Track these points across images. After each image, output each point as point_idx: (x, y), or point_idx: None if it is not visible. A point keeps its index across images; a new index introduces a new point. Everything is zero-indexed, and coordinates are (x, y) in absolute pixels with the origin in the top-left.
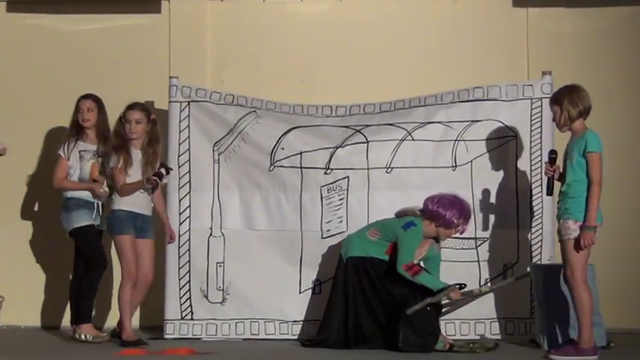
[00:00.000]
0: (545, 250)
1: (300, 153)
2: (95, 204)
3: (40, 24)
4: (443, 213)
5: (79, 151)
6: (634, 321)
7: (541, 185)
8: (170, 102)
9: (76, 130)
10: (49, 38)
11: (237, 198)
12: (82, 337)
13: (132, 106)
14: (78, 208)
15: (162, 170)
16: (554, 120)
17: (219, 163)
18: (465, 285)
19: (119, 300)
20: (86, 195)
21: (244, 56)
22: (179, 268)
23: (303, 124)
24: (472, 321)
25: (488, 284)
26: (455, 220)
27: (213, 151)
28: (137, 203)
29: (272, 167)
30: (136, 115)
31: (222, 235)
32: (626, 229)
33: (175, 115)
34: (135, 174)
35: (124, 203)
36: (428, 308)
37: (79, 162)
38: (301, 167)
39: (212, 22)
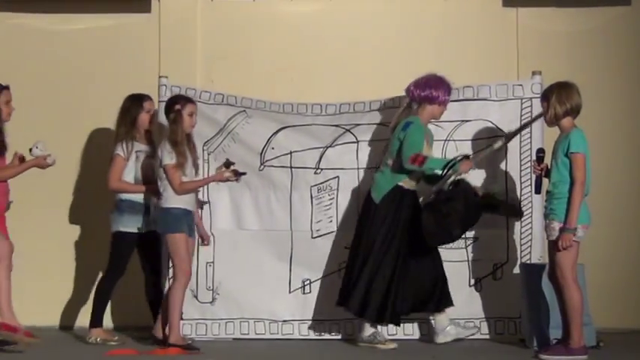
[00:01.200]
0: (535, 250)
1: (290, 153)
2: (147, 206)
3: (29, 23)
4: (436, 94)
5: (136, 152)
6: (623, 320)
7: (531, 184)
8: (160, 102)
9: (132, 129)
10: (38, 38)
11: (226, 198)
12: (93, 340)
13: (190, 99)
14: (131, 212)
15: (229, 164)
16: (543, 116)
17: (208, 162)
18: (469, 155)
19: (169, 301)
20: (140, 197)
21: (234, 56)
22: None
23: (293, 123)
24: (462, 320)
25: (501, 140)
26: (448, 95)
27: (203, 150)
28: (190, 201)
29: (262, 167)
30: (194, 108)
31: (212, 235)
32: (615, 229)
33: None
34: (189, 171)
35: (179, 201)
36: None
37: (134, 163)
38: (291, 167)
39: (202, 22)
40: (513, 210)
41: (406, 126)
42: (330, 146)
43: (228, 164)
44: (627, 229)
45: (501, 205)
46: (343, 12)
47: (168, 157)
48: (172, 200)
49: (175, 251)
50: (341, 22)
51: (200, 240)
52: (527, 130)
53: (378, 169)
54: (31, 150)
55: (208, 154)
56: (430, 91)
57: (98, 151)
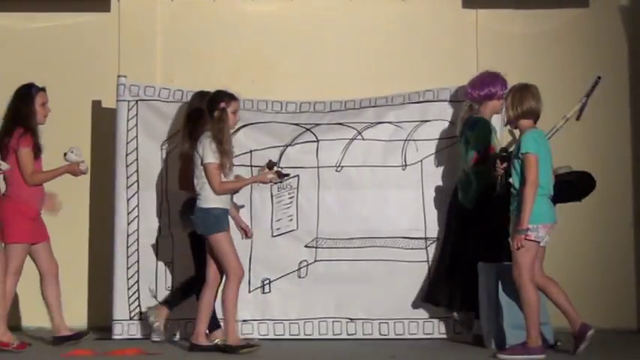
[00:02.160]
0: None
1: (250, 151)
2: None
3: None
4: (494, 90)
5: None
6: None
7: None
8: (118, 101)
9: None
10: None
11: (186, 198)
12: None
13: (233, 96)
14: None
15: (272, 165)
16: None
17: (167, 162)
18: (507, 152)
19: (224, 301)
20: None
21: (194, 55)
22: (127, 268)
23: (252, 120)
24: (420, 320)
25: (562, 120)
26: (505, 88)
27: (162, 150)
28: (228, 200)
29: None
30: (237, 105)
31: (171, 234)
32: (574, 228)
33: (123, 114)
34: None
35: (219, 201)
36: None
37: None
38: (251, 166)
39: (162, 21)
40: (586, 178)
41: (473, 126)
42: (290, 145)
43: (271, 165)
44: (586, 228)
45: (576, 177)
46: (303, 12)
47: (212, 156)
48: (212, 200)
49: (222, 251)
50: (301, 21)
51: (244, 234)
52: None
53: (461, 176)
54: (65, 155)
55: (167, 154)
56: (488, 88)
57: (52, 150)
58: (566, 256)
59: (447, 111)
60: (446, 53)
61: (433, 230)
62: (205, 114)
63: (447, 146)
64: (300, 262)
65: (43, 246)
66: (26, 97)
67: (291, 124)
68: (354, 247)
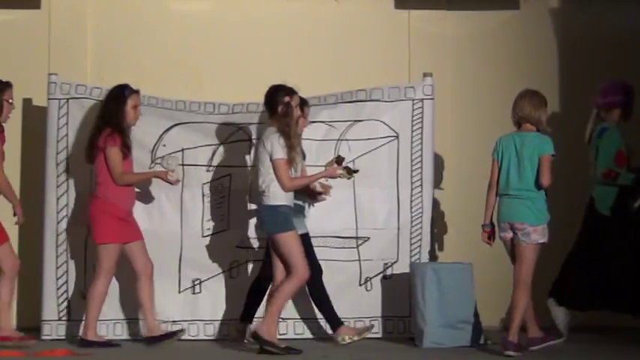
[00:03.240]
0: (425, 249)
1: (182, 150)
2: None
3: None
4: (617, 98)
5: None
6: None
7: (421, 185)
8: (49, 99)
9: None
10: None
11: None
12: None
13: (294, 90)
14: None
15: (341, 160)
16: None
17: None
18: None
19: (277, 293)
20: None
21: (125, 53)
22: (57, 268)
23: (185, 120)
24: (351, 320)
25: None
26: (631, 96)
27: None
28: (292, 197)
29: (153, 164)
30: (298, 99)
31: None
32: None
33: (54, 112)
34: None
35: (286, 198)
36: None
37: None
38: (183, 164)
39: (92, 18)
40: None
41: (601, 132)
42: (222, 144)
43: (340, 160)
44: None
45: None
46: (235, 11)
47: (281, 151)
48: (280, 197)
49: (290, 250)
50: (233, 21)
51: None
52: (419, 131)
53: (596, 182)
54: (162, 159)
55: None
56: (612, 97)
57: None
58: (490, 255)
59: (379, 111)
60: (379, 54)
61: (364, 230)
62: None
63: (380, 146)
64: (232, 263)
65: (137, 245)
66: (119, 97)
67: (224, 124)
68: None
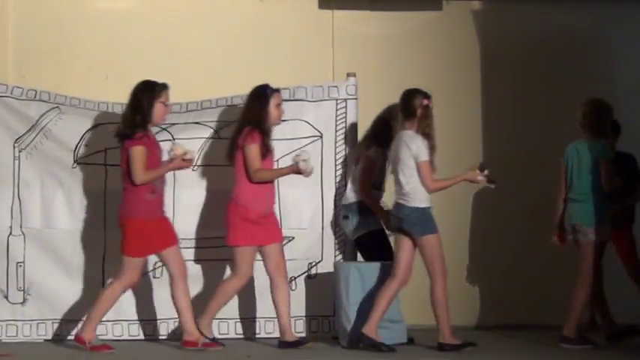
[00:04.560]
0: (349, 249)
1: (105, 150)
2: None
3: None
4: None
5: None
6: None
7: (345, 184)
8: None
9: None
10: None
11: (38, 196)
12: None
13: (428, 93)
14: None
15: (484, 168)
16: None
17: (19, 160)
18: None
19: (436, 302)
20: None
21: (48, 52)
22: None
23: (107, 121)
24: (276, 319)
25: None
26: None
27: (14, 147)
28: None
29: (75, 164)
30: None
31: (23, 234)
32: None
33: None
34: None
35: (429, 200)
36: None
37: None
38: (105, 164)
39: (14, 17)
40: None
41: None
42: None
43: (482, 168)
44: (455, 231)
45: None
46: (159, 10)
47: (425, 153)
48: (425, 200)
49: (434, 252)
50: (157, 20)
51: None
52: (342, 131)
53: None
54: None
55: (20, 152)
56: None
57: None
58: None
59: (303, 110)
60: (302, 53)
61: (289, 230)
62: (391, 121)
63: (303, 146)
64: (155, 263)
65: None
66: (261, 96)
67: None
68: (210, 247)
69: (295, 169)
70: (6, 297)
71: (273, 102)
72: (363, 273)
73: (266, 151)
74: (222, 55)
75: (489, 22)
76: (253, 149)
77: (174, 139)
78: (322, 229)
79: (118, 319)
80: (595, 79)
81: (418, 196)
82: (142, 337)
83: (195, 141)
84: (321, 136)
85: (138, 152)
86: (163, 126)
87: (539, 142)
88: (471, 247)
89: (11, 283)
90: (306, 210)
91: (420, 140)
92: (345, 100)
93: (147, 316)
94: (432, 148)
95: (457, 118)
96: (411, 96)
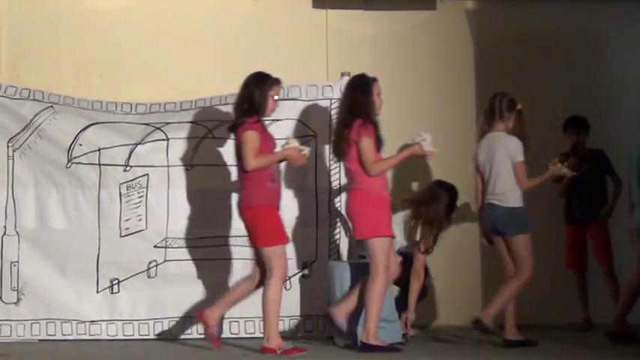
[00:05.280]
0: (343, 248)
1: (99, 149)
2: None
3: None
4: None
5: None
6: (426, 317)
7: (340, 184)
8: None
9: None
10: None
11: (32, 195)
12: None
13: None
14: None
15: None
16: None
17: (13, 159)
18: None
19: (507, 293)
20: None
21: (41, 50)
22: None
23: (101, 120)
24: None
25: None
26: None
27: (8, 147)
28: None
29: (69, 164)
30: None
31: (17, 233)
32: None
33: None
34: None
35: (522, 199)
36: None
37: None
38: (100, 164)
39: (7, 15)
40: None
41: None
42: (139, 143)
43: (562, 160)
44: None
45: None
46: (153, 10)
47: (521, 153)
48: (520, 199)
49: (527, 252)
50: (151, 20)
51: None
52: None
53: None
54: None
55: (13, 151)
56: None
57: None
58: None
59: (297, 109)
60: (297, 53)
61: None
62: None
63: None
64: (150, 262)
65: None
66: (363, 87)
67: (141, 123)
68: (204, 247)
69: (417, 151)
70: (0, 297)
71: (374, 91)
72: (357, 273)
73: (379, 143)
74: (216, 54)
75: (483, 21)
76: (369, 143)
77: (168, 138)
78: (317, 228)
79: (113, 318)
80: (590, 79)
81: (514, 196)
82: (136, 336)
83: (188, 141)
84: (315, 136)
85: (250, 136)
86: (158, 125)
87: (534, 141)
88: (472, 246)
89: (5, 282)
90: (300, 209)
91: (516, 141)
92: (339, 99)
93: (142, 316)
94: (526, 148)
95: (451, 117)
96: (503, 99)
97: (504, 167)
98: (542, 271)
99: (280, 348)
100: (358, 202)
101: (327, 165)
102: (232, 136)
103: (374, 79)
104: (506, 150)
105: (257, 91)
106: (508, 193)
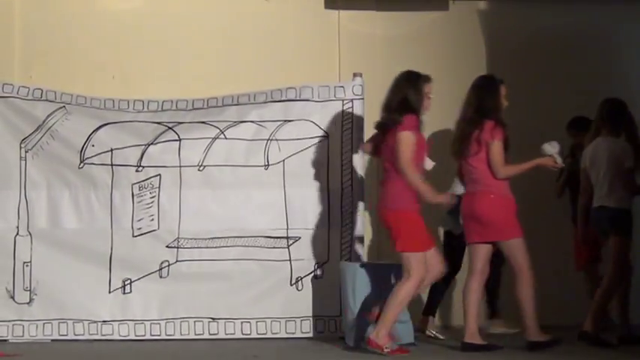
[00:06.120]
0: (355, 249)
1: (111, 150)
2: None
3: None
4: None
5: None
6: (438, 318)
7: (352, 185)
8: None
9: None
10: None
11: (44, 196)
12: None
13: None
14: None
15: None
16: None
17: (26, 160)
18: None
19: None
20: None
21: (54, 51)
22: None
23: (114, 119)
24: (282, 319)
25: None
26: None
27: (20, 148)
28: None
29: (82, 165)
30: None
31: (30, 234)
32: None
33: None
34: None
35: (631, 202)
36: None
37: None
38: (112, 164)
39: (20, 17)
40: None
41: None
42: (151, 144)
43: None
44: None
45: None
46: (164, 10)
47: (631, 160)
48: (628, 201)
49: (621, 255)
50: (162, 19)
51: None
52: (349, 131)
53: None
54: (543, 147)
55: (26, 152)
56: None
57: None
58: None
59: (309, 110)
60: (309, 54)
61: (295, 230)
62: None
63: (310, 146)
64: (162, 263)
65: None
66: (492, 88)
67: (153, 122)
68: (216, 247)
69: (549, 163)
70: (12, 297)
71: (502, 92)
72: (369, 273)
73: (507, 145)
74: (228, 54)
75: (495, 21)
76: (500, 146)
77: (180, 139)
78: (329, 229)
79: (125, 319)
80: (603, 79)
81: (625, 199)
82: (148, 336)
83: (200, 141)
84: (328, 137)
85: (406, 137)
86: (169, 125)
87: (546, 140)
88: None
89: (18, 283)
90: (312, 210)
91: (628, 147)
92: (352, 100)
93: (154, 317)
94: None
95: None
96: (619, 106)
97: (619, 171)
98: (554, 271)
99: (388, 347)
100: (491, 204)
101: (340, 166)
102: (378, 134)
103: (502, 80)
104: (616, 156)
105: (412, 90)
106: (620, 195)
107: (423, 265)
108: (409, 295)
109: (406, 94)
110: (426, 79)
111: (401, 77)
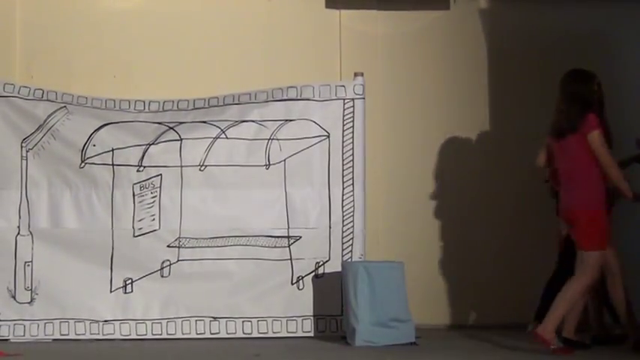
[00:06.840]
0: (356, 248)
1: (112, 150)
2: None
3: None
4: None
5: None
6: (439, 317)
7: (353, 184)
8: None
9: None
10: None
11: (45, 196)
12: None
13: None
14: None
15: None
16: None
17: (27, 160)
18: None
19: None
20: None
21: (55, 51)
22: None
23: (115, 119)
24: (284, 319)
25: None
26: None
27: (22, 147)
28: None
29: (83, 164)
30: None
31: (31, 233)
32: (431, 228)
33: None
34: None
35: None
36: None
37: None
38: (113, 164)
39: (21, 16)
40: None
41: None
42: (152, 143)
43: None
44: (443, 227)
45: None
46: (166, 9)
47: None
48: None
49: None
50: (164, 20)
51: None
52: (350, 130)
53: None
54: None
55: (27, 152)
56: None
57: None
58: (419, 252)
59: (310, 110)
60: (310, 53)
61: (296, 229)
62: None
63: (311, 145)
64: (163, 262)
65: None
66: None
67: (154, 122)
68: (217, 246)
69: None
70: (13, 297)
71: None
72: (370, 272)
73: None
74: (229, 54)
75: (497, 21)
76: (601, 137)
77: (181, 138)
78: (330, 228)
79: (126, 318)
80: (604, 79)
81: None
82: (149, 336)
83: (201, 141)
84: (329, 136)
85: (598, 136)
86: (170, 125)
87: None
88: (471, 246)
89: (19, 282)
90: (313, 209)
91: None
92: (353, 99)
93: (155, 316)
94: None
95: (464, 117)
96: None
97: None
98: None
99: (554, 345)
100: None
101: (341, 165)
102: (557, 137)
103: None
104: None
105: (584, 88)
106: None
107: (600, 266)
108: (580, 293)
109: (578, 94)
110: (595, 76)
111: (567, 79)
